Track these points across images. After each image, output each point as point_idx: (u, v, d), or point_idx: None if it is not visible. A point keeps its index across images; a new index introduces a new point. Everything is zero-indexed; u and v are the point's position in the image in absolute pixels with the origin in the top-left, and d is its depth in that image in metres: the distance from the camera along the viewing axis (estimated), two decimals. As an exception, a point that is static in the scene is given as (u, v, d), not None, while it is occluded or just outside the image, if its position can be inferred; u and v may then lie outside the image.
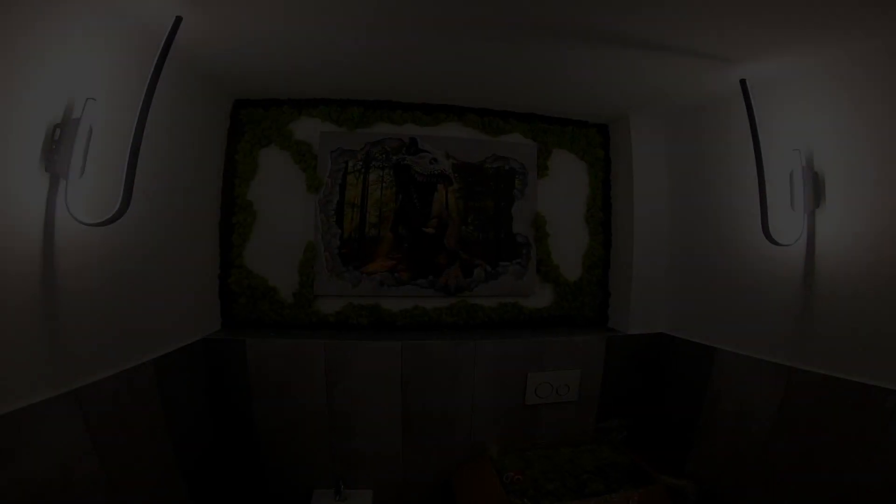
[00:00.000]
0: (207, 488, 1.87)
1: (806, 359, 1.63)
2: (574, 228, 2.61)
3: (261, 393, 2.04)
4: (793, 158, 1.65)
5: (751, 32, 1.44)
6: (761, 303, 1.84)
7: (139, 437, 1.46)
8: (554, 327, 2.51)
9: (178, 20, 1.31)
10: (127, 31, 1.39)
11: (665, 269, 2.45)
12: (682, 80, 1.91)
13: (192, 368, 1.90)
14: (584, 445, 2.25)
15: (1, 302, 1.00)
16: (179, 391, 1.76)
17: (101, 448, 1.25)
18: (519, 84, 2.10)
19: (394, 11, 1.41)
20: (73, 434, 1.18)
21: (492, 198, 2.58)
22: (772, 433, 1.68)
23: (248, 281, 2.33)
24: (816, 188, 1.62)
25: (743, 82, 1.68)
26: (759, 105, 1.65)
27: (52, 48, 1.10)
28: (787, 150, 1.67)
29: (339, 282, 2.41)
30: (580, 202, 2.63)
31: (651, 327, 2.42)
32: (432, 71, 1.96)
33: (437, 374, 2.15)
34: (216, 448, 2.00)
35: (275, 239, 2.37)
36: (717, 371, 1.98)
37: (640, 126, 2.46)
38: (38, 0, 1.05)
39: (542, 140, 2.61)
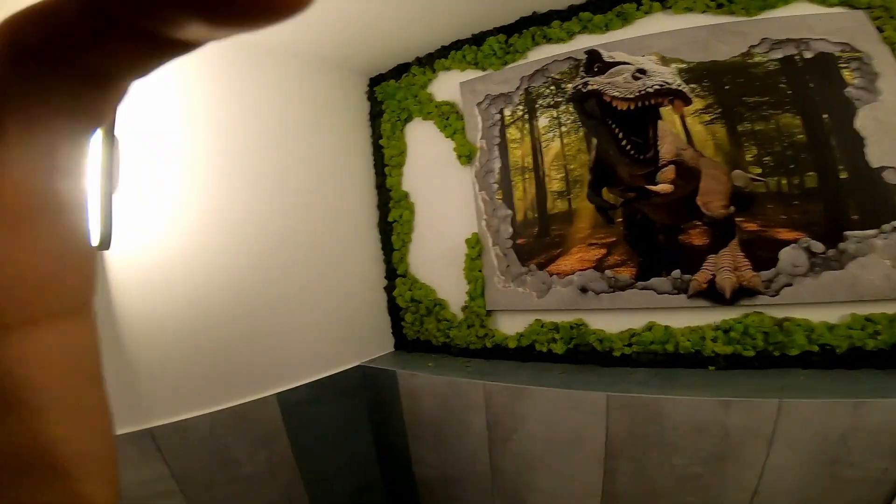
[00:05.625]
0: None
1: None
2: None
3: (416, 435, 1.64)
4: None
5: None
6: None
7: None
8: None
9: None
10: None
11: None
12: None
13: (351, 396, 1.72)
14: None
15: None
16: (324, 421, 1.61)
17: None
18: None
19: None
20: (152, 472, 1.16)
21: (797, 108, 1.24)
22: None
23: (413, 293, 1.83)
24: None
25: None
26: None
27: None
28: None
29: (519, 289, 1.60)
30: None
31: None
32: None
33: (681, 442, 1.16)
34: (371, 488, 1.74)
35: (437, 235, 1.84)
36: None
37: None
38: None
39: (871, 4, 1.11)
